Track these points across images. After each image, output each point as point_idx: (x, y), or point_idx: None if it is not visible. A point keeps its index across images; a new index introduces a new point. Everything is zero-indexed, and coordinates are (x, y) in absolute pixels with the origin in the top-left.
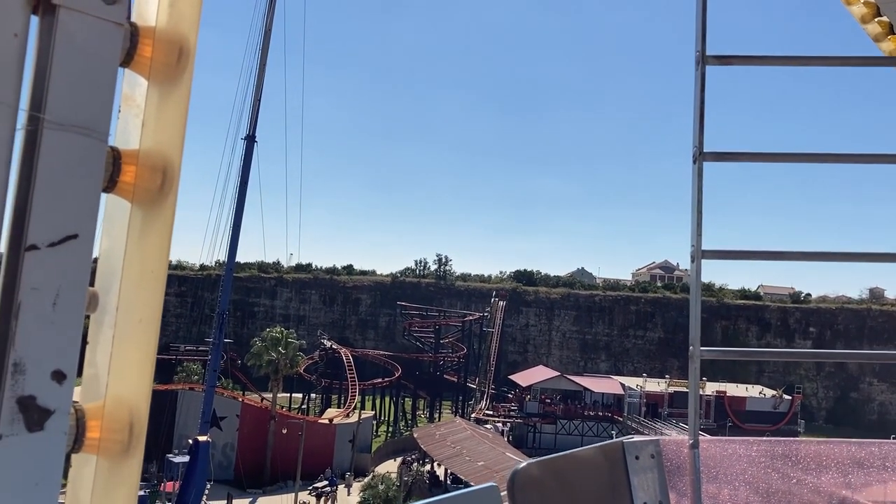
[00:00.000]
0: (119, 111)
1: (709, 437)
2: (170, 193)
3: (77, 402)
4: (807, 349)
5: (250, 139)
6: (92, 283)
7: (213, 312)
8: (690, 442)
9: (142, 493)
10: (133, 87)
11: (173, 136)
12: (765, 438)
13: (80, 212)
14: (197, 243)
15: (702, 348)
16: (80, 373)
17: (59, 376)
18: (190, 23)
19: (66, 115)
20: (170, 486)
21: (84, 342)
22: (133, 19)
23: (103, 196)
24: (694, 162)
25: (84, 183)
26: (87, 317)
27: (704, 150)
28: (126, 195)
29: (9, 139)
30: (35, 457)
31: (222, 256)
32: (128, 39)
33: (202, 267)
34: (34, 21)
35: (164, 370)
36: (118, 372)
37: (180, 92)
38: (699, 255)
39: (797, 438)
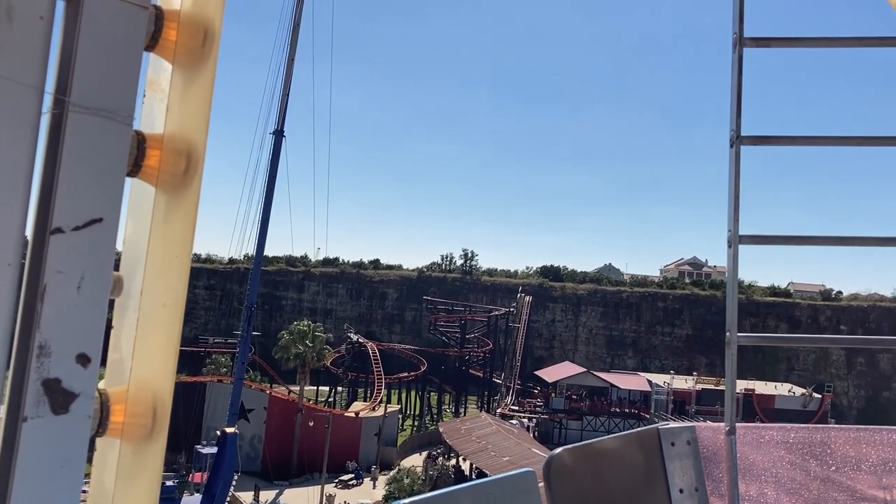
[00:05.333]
0: (144, 95)
1: (745, 423)
2: (194, 178)
3: (101, 385)
4: (839, 350)
5: (279, 134)
6: (116, 268)
7: (242, 305)
8: (727, 429)
9: (170, 483)
10: (158, 72)
11: (198, 121)
12: (802, 425)
13: (104, 196)
14: (226, 237)
15: (739, 334)
16: (104, 357)
17: (83, 360)
18: (215, 7)
19: (92, 98)
20: (198, 477)
21: (108, 326)
22: (158, 3)
23: (128, 180)
24: (731, 146)
25: (109, 167)
26: (112, 301)
27: (742, 134)
28: (150, 179)
29: (35, 122)
30: (60, 439)
31: (251, 250)
32: (153, 23)
33: (231, 260)
34: (60, 4)
35: (194, 362)
36: (142, 356)
37: (205, 76)
38: (736, 240)
39: (835, 426)
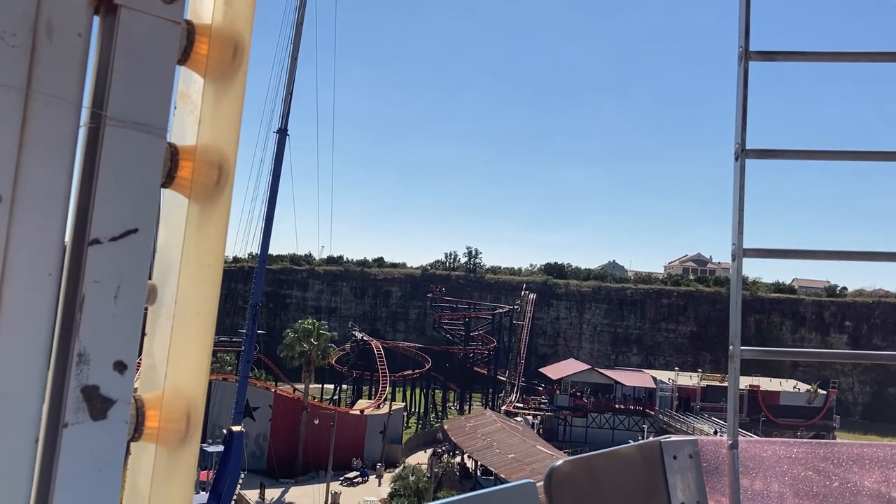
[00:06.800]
0: (175, 108)
1: (748, 437)
2: (225, 188)
3: (136, 392)
4: (845, 346)
5: (282, 132)
6: (150, 276)
7: (247, 304)
8: (729, 442)
9: None
10: (189, 85)
11: (228, 132)
12: (805, 440)
13: (139, 207)
14: (230, 236)
15: (742, 348)
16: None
17: (120, 367)
18: (245, 20)
19: (127, 112)
20: (204, 476)
21: (143, 334)
22: (189, 18)
23: (161, 191)
24: (736, 159)
25: (144, 178)
26: (146, 309)
27: (747, 147)
28: (183, 190)
29: (73, 136)
30: (98, 444)
31: (255, 249)
32: (185, 37)
33: (235, 259)
34: (96, 21)
35: None
36: (176, 363)
37: (235, 89)
38: (740, 253)
39: (839, 441)
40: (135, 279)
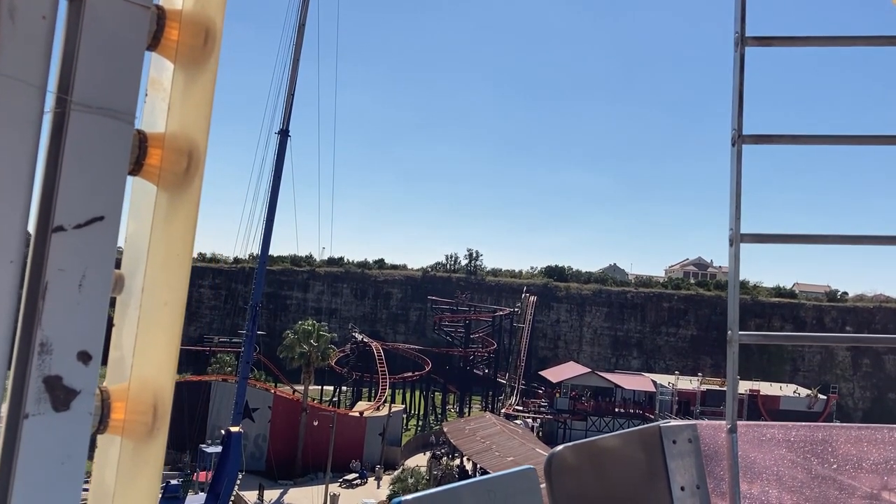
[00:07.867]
0: (145, 94)
1: (747, 422)
2: (195, 177)
3: (103, 383)
4: (844, 351)
5: (284, 133)
6: (118, 266)
7: (247, 305)
8: (728, 426)
9: (175, 482)
10: (160, 71)
11: (199, 120)
12: (804, 423)
13: (106, 194)
14: (231, 236)
15: (740, 332)
16: (105, 355)
17: (84, 357)
18: (216, 6)
19: (94, 97)
20: (202, 476)
21: (110, 324)
22: (160, 2)
23: (129, 179)
24: (733, 145)
25: (110, 165)
26: (113, 299)
27: (743, 133)
28: (152, 178)
29: (37, 121)
30: (61, 436)
31: (256, 249)
32: (154, 22)
33: (236, 260)
34: (63, 4)
35: (198, 361)
36: (143, 354)
37: (206, 75)
38: (738, 238)
39: (837, 424)
40: (100, 268)
